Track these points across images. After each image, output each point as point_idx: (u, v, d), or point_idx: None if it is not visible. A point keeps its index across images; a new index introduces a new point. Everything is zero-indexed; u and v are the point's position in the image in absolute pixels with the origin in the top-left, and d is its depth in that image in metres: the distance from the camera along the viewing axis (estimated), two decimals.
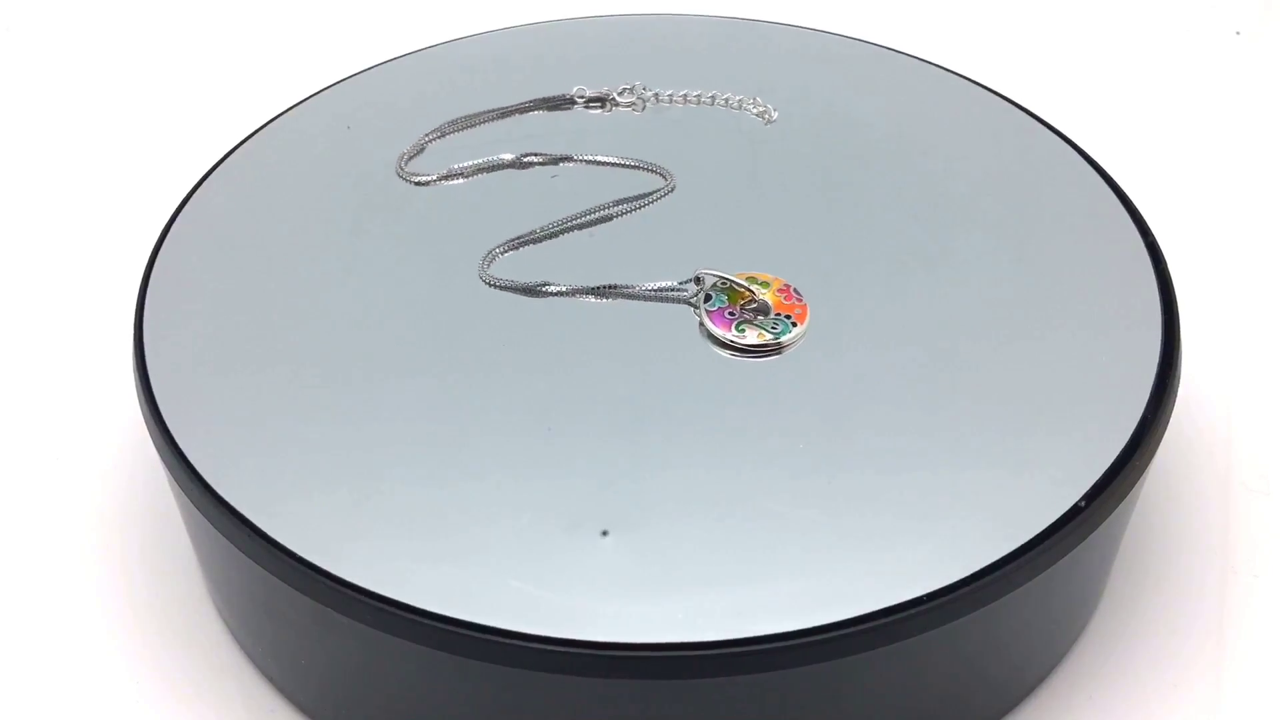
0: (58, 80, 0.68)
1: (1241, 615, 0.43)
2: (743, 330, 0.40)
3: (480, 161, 0.47)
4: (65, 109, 0.66)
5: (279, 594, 0.36)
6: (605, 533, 0.35)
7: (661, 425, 0.38)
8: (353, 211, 0.46)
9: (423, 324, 0.41)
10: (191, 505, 0.38)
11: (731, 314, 0.41)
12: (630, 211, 0.45)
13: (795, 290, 0.41)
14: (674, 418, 0.38)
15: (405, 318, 0.42)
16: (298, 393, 0.39)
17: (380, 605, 0.34)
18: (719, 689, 0.34)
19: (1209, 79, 0.67)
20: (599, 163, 0.47)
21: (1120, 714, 0.41)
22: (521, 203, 0.46)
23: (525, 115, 0.50)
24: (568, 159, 0.47)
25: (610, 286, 0.42)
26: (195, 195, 0.46)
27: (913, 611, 0.34)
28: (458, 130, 0.49)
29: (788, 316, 0.41)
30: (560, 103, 0.50)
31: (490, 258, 0.43)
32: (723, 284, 0.41)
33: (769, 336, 0.40)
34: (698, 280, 0.42)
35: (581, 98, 0.50)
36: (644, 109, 0.50)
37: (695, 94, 0.50)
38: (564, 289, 0.42)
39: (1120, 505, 0.37)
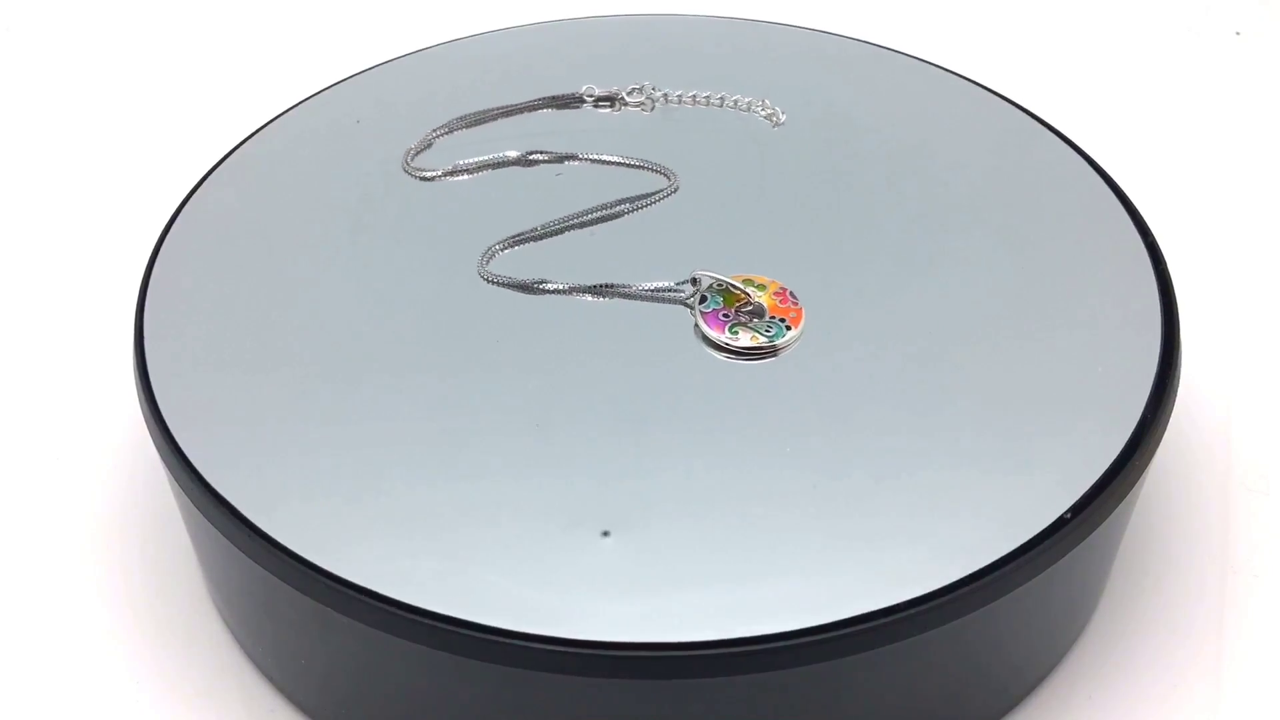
0: (58, 80, 0.68)
1: (1241, 615, 0.43)
2: (736, 332, 0.40)
3: (485, 158, 0.47)
4: (65, 109, 0.66)
5: (279, 594, 0.36)
6: (606, 533, 0.35)
7: (659, 425, 0.38)
8: (355, 207, 0.46)
9: (422, 322, 0.41)
10: (191, 505, 0.38)
11: (726, 316, 0.41)
12: (632, 211, 0.45)
13: (792, 294, 0.41)
14: (670, 418, 0.38)
15: (405, 316, 0.42)
16: (298, 392, 0.39)
17: (380, 605, 0.34)
18: (719, 689, 0.34)
19: (1209, 79, 0.67)
20: (604, 162, 0.47)
21: (1120, 714, 0.41)
22: (524, 200, 0.46)
23: (534, 113, 0.50)
24: (573, 157, 0.47)
25: (607, 285, 0.42)
26: (195, 195, 0.46)
27: (913, 611, 0.34)
28: (466, 127, 0.49)
29: (782, 320, 0.41)
30: (569, 101, 0.50)
31: (489, 254, 0.43)
32: (719, 286, 0.41)
33: (762, 339, 0.40)
34: (694, 281, 0.42)
35: (591, 97, 0.50)
36: (653, 109, 0.50)
37: (704, 95, 0.50)
38: (561, 287, 0.42)
39: (1120, 505, 0.37)
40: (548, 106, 0.50)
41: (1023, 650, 0.39)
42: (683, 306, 0.41)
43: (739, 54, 0.52)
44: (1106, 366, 0.39)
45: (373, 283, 0.43)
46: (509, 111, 0.49)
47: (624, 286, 0.42)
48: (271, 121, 0.50)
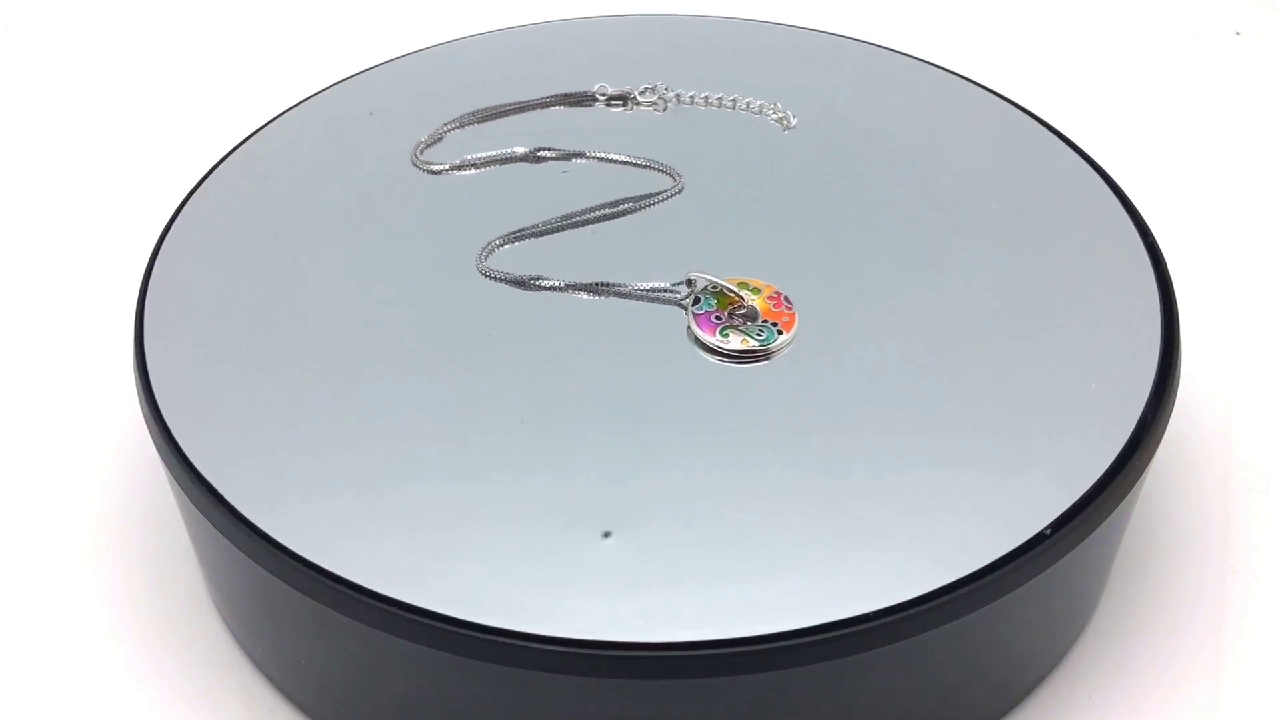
0: (58, 80, 0.68)
1: (1241, 615, 0.43)
2: (726, 335, 0.40)
3: (494, 153, 0.47)
4: (65, 109, 0.66)
5: (279, 594, 0.36)
6: (607, 534, 0.35)
7: (655, 426, 0.38)
8: (359, 200, 0.46)
9: (422, 319, 0.41)
10: (191, 505, 0.38)
11: (718, 318, 0.41)
12: (635, 210, 0.45)
13: (786, 298, 0.41)
14: (666, 419, 0.38)
15: (404, 313, 0.42)
16: (298, 392, 0.39)
17: (380, 605, 0.34)
18: (718, 689, 0.34)
19: (1209, 79, 0.67)
20: (611, 160, 0.47)
21: (1120, 714, 0.41)
22: (529, 196, 0.46)
23: (546, 110, 0.49)
24: (580, 155, 0.47)
25: (603, 284, 0.42)
26: (196, 195, 0.46)
27: (913, 611, 0.34)
28: (477, 122, 0.49)
29: (774, 324, 0.40)
30: (582, 99, 0.50)
31: (489, 249, 0.43)
32: (713, 288, 0.41)
33: (753, 343, 0.40)
34: (689, 283, 0.42)
35: (603, 95, 0.50)
36: (665, 109, 0.50)
37: (717, 97, 0.50)
38: (558, 284, 0.42)
39: (1120, 505, 0.37)
40: (560, 104, 0.50)
41: (1023, 650, 0.39)
42: (678, 307, 0.41)
43: (753, 56, 0.52)
44: (1106, 367, 0.39)
45: (372, 280, 0.43)
46: (521, 108, 0.49)
47: (620, 285, 0.42)
48: (275, 119, 0.50)
